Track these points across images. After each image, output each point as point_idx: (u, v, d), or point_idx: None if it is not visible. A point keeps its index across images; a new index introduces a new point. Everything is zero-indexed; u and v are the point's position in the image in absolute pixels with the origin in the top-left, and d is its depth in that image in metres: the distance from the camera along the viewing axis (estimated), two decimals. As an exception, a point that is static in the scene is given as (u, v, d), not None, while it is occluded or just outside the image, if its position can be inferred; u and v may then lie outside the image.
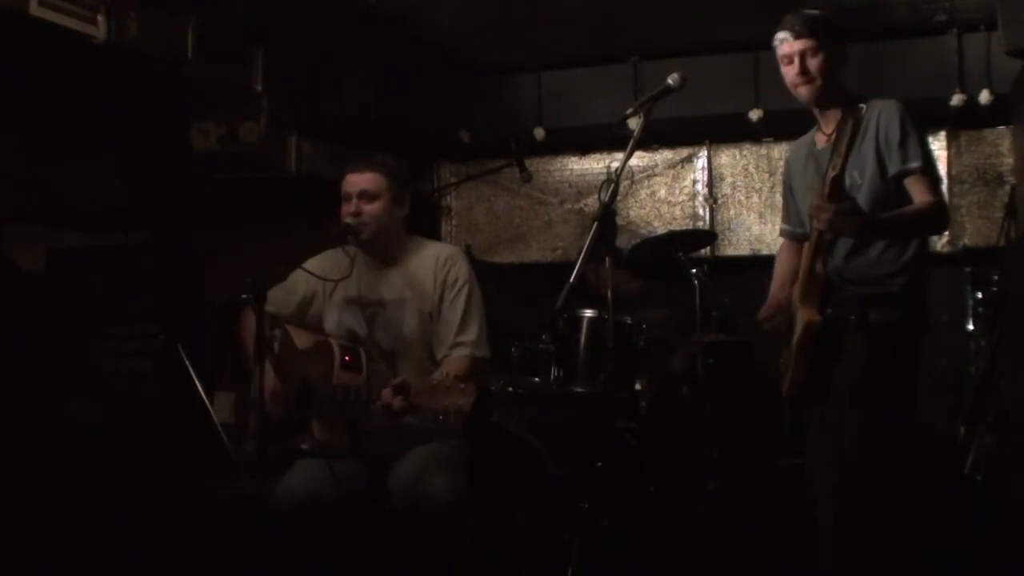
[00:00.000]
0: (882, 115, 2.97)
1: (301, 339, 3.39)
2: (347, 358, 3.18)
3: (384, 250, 3.38)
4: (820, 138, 3.16)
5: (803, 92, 3.06)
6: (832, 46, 3.02)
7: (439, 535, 3.05)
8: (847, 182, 2.96)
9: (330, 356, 3.19)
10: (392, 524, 3.19)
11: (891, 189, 2.97)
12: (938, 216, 2.98)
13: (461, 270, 3.35)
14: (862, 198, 2.98)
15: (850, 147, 2.80)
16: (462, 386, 2.85)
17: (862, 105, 3.01)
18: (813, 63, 3.01)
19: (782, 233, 3.43)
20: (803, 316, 2.96)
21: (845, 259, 3.02)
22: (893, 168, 2.95)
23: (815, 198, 2.90)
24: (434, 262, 3.35)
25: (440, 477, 3.09)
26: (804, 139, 3.28)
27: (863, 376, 2.95)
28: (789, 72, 3.06)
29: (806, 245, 3.05)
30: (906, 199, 2.95)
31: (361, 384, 3.12)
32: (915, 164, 2.92)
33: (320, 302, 3.43)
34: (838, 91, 3.08)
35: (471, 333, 3.30)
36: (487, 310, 3.42)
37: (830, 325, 2.95)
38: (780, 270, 3.36)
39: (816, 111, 3.14)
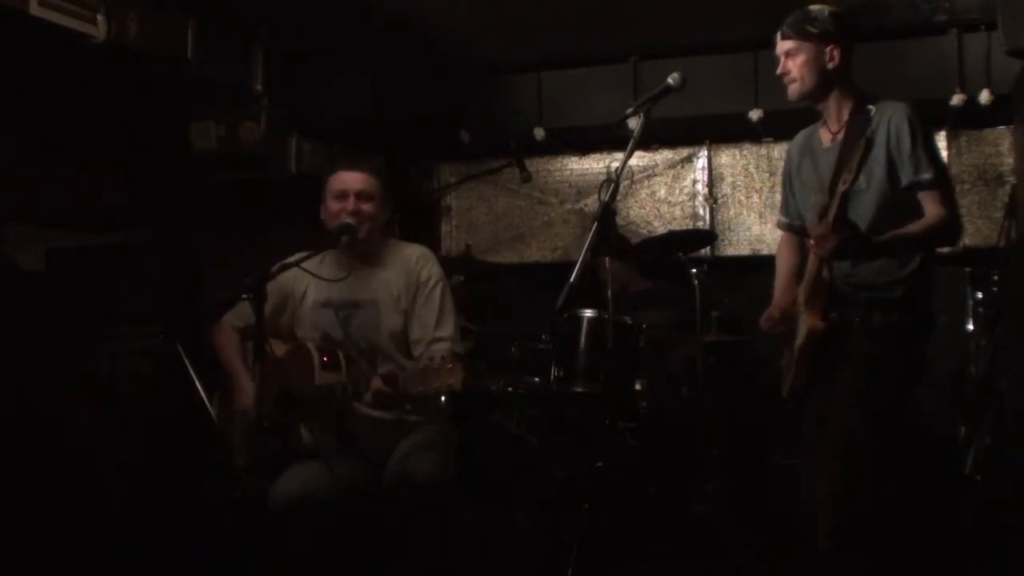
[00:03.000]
0: (893, 120, 2.95)
1: (275, 347, 3.38)
2: (326, 358, 3.19)
3: (366, 252, 3.39)
4: (825, 135, 3.14)
5: (789, 90, 3.10)
6: (824, 45, 3.02)
7: (427, 513, 3.06)
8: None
9: (308, 359, 3.20)
10: (390, 523, 3.20)
11: (900, 196, 2.95)
12: (947, 231, 2.96)
13: (434, 268, 3.38)
14: (867, 203, 2.96)
15: (863, 161, 2.77)
16: (450, 366, 2.85)
17: (871, 107, 3.00)
18: (791, 64, 3.05)
19: (779, 225, 3.41)
20: (807, 321, 2.95)
21: (852, 265, 2.99)
22: (905, 178, 2.93)
23: (820, 227, 2.87)
24: (406, 262, 3.38)
25: (426, 457, 3.12)
26: (808, 133, 3.26)
27: (866, 378, 2.93)
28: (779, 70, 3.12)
29: (818, 230, 3.01)
30: (915, 205, 2.94)
31: (344, 380, 3.13)
32: (927, 176, 2.91)
33: (291, 310, 3.43)
34: (840, 90, 3.07)
35: (448, 328, 3.33)
36: (485, 310, 3.43)
37: (834, 329, 2.93)
38: (781, 267, 3.34)
39: (822, 107, 3.13)
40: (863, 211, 2.97)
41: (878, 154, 2.93)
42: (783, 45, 3.08)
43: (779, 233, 3.44)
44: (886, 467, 2.97)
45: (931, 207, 2.92)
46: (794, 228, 3.33)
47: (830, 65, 3.03)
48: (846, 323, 2.94)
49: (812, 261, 2.98)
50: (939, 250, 3.26)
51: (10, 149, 4.96)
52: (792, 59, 3.05)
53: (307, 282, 3.37)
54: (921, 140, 2.93)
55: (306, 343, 3.29)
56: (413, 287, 3.34)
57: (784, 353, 3.14)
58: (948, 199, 2.94)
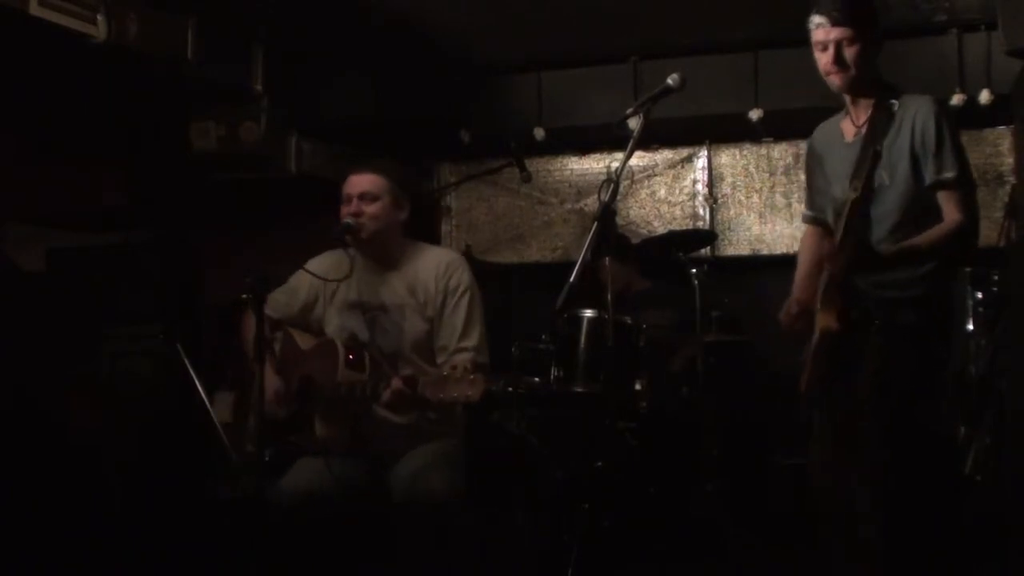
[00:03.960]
0: (919, 115, 2.87)
1: (304, 340, 3.40)
2: (351, 356, 3.18)
3: (384, 253, 3.38)
4: (848, 129, 3.06)
5: (835, 81, 2.95)
6: (872, 34, 2.91)
7: (437, 533, 3.05)
8: (875, 182, 2.88)
9: (334, 355, 3.20)
10: (391, 523, 3.20)
11: (924, 194, 2.88)
12: (962, 238, 2.86)
13: (463, 276, 3.34)
14: (890, 200, 2.91)
15: (872, 171, 2.72)
16: (471, 377, 2.84)
17: (894, 101, 2.92)
18: (849, 52, 2.89)
19: (804, 219, 3.35)
20: (821, 321, 2.91)
21: None
22: (929, 177, 2.86)
23: (827, 246, 2.83)
24: (436, 268, 3.34)
25: (438, 476, 3.10)
26: (831, 123, 3.16)
27: (887, 378, 2.87)
28: (822, 59, 2.94)
29: (827, 247, 2.97)
30: (937, 204, 2.88)
31: (365, 381, 3.13)
32: (949, 175, 2.83)
33: (321, 305, 3.43)
34: (872, 80, 2.97)
35: (473, 339, 3.30)
36: (486, 310, 3.42)
37: (853, 328, 2.88)
38: (803, 259, 3.27)
39: (847, 99, 3.04)
40: (887, 208, 2.91)
41: (902, 148, 2.87)
42: (836, 31, 2.89)
43: (779, 232, 3.44)
44: (918, 465, 2.92)
45: (949, 210, 2.84)
46: (818, 221, 3.24)
47: (874, 56, 2.94)
48: (864, 322, 2.89)
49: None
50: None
51: (10, 149, 4.96)
52: (849, 48, 2.89)
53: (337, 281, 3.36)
54: (948, 137, 2.84)
55: (334, 340, 3.29)
56: (442, 294, 3.30)
57: (804, 348, 3.11)
58: (968, 202, 2.85)
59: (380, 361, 3.26)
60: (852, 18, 2.88)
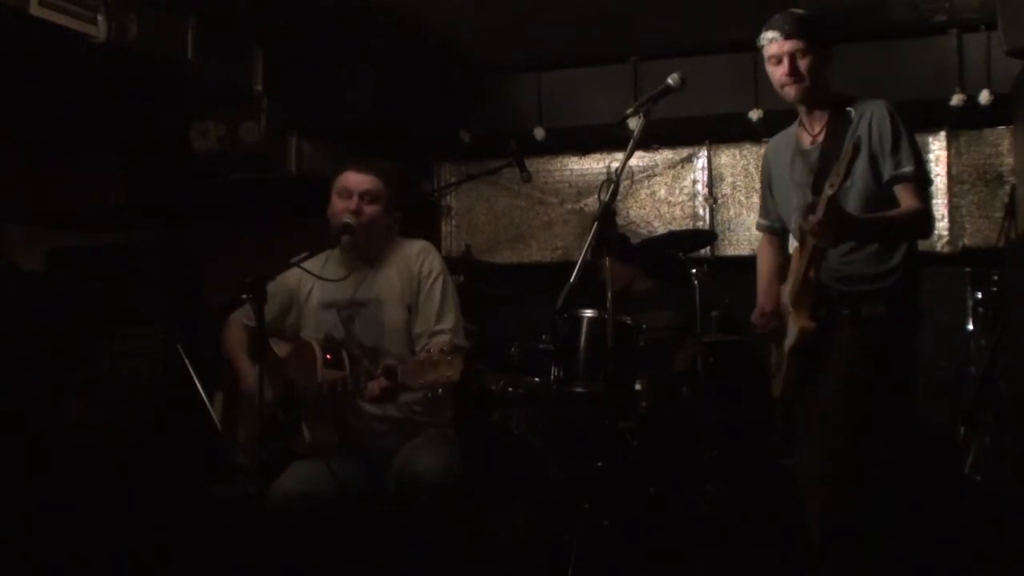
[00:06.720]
0: (874, 117, 3.00)
1: (280, 348, 3.40)
2: (329, 356, 3.19)
3: (368, 252, 3.39)
4: (804, 137, 3.17)
5: (790, 92, 3.07)
6: (821, 47, 3.05)
7: (432, 514, 3.06)
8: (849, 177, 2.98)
9: (312, 356, 3.20)
10: (387, 514, 3.20)
11: (883, 192, 2.99)
12: (922, 222, 3.01)
13: (435, 261, 3.38)
14: (852, 199, 2.99)
15: (851, 164, 2.78)
16: (449, 358, 2.84)
17: (850, 109, 3.04)
18: (803, 64, 3.03)
19: (759, 227, 3.46)
20: (796, 322, 2.98)
21: (840, 260, 3.03)
22: (887, 173, 2.98)
23: (813, 218, 2.86)
24: (408, 256, 3.38)
25: (430, 457, 3.12)
26: (785, 135, 3.28)
27: (856, 369, 2.96)
28: (776, 72, 3.07)
29: (796, 251, 3.07)
30: (895, 202, 2.99)
31: (346, 378, 3.13)
32: (907, 170, 2.96)
33: (296, 310, 3.43)
34: (825, 92, 3.10)
35: (448, 321, 3.32)
36: (486, 310, 3.42)
37: (823, 324, 2.96)
38: (763, 267, 3.40)
39: (802, 110, 3.16)
40: (848, 207, 2.98)
41: (861, 151, 2.96)
42: (788, 44, 3.03)
43: (756, 226, 3.48)
44: (881, 459, 2.97)
45: (908, 199, 2.96)
46: (774, 230, 3.39)
47: (825, 67, 3.07)
48: (834, 316, 2.98)
49: (797, 261, 3.02)
50: (938, 249, 3.24)
51: (10, 149, 4.96)
52: (802, 60, 3.02)
53: (312, 283, 3.36)
54: (904, 135, 2.98)
55: (310, 342, 3.29)
56: (415, 281, 3.34)
57: (773, 352, 3.16)
58: (924, 194, 3.01)
59: (359, 356, 3.26)
60: (803, 32, 3.03)
